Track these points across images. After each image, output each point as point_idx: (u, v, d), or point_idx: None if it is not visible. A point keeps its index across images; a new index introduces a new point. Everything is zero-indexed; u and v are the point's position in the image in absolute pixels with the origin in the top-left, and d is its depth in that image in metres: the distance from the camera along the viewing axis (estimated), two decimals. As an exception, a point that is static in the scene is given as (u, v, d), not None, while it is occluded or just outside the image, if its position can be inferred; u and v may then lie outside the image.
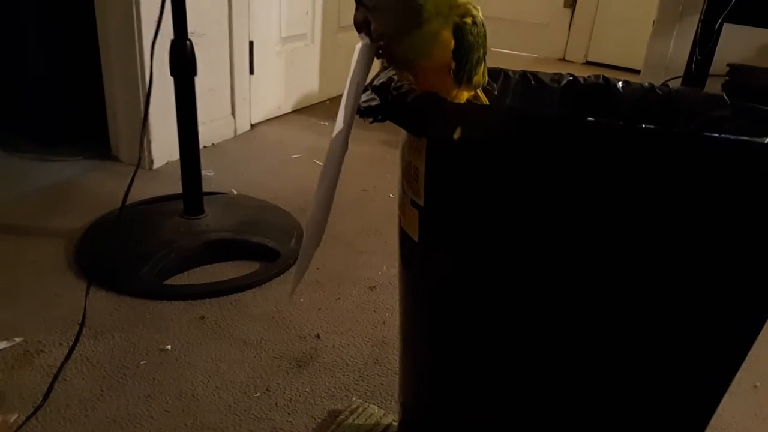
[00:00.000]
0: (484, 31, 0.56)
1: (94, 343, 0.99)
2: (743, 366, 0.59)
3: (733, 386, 0.61)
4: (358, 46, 0.58)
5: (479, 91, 0.62)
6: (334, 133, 0.59)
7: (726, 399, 0.62)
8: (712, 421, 0.63)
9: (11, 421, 0.83)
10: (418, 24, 0.54)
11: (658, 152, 0.47)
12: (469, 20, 0.55)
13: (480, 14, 0.56)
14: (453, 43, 0.54)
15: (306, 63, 2.19)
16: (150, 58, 1.15)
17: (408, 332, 0.71)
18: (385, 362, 1.01)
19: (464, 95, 0.58)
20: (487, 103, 0.64)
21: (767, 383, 1.04)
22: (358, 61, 0.58)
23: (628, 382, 0.59)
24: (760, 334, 0.58)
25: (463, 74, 0.56)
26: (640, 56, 2.35)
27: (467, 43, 0.55)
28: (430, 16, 0.54)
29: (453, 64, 0.55)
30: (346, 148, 0.62)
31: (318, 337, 1.06)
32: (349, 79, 0.58)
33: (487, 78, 0.62)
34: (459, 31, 0.54)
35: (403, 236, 0.65)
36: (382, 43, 0.57)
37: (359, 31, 0.57)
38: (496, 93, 0.70)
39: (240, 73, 1.88)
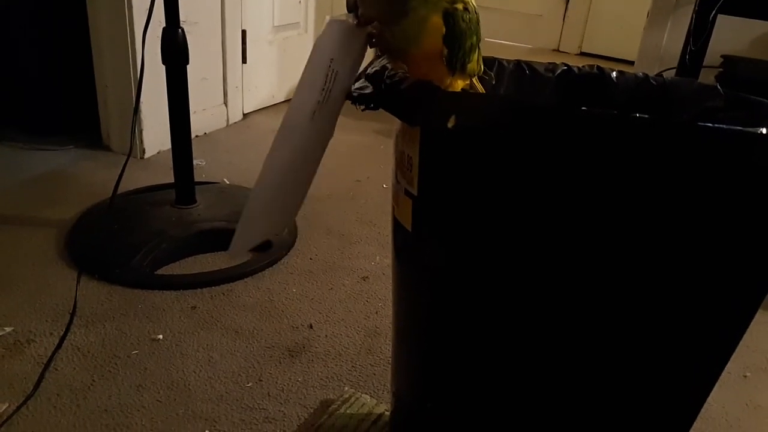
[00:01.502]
0: (477, 17, 0.56)
1: (85, 333, 0.99)
2: (733, 356, 0.60)
3: (724, 376, 0.61)
4: (328, 18, 0.57)
5: (475, 80, 0.61)
6: (292, 108, 0.57)
7: (716, 389, 0.62)
8: (703, 411, 0.64)
9: (1, 410, 0.83)
10: (405, 12, 0.53)
11: (651, 141, 0.47)
12: (460, 6, 0.54)
13: (473, 0, 0.56)
14: (444, 29, 0.54)
15: (299, 52, 2.17)
16: (141, 46, 1.14)
17: (401, 322, 0.71)
18: (378, 352, 1.01)
19: (459, 84, 0.58)
20: (484, 92, 0.64)
21: (757, 373, 1.04)
22: (328, 36, 0.56)
23: (619, 372, 0.59)
24: (751, 324, 0.58)
25: (456, 61, 0.55)
26: (634, 47, 2.35)
27: (459, 30, 0.54)
28: (417, 4, 0.53)
29: (445, 51, 0.54)
30: (332, 134, 0.61)
31: (310, 327, 1.06)
32: (317, 54, 0.56)
33: (482, 66, 0.61)
34: (450, 18, 0.54)
35: (397, 226, 0.65)
36: (374, 31, 0.57)
37: (350, 11, 0.56)
38: (493, 82, 0.69)
39: (232, 62, 1.87)
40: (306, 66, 0.56)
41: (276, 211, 0.65)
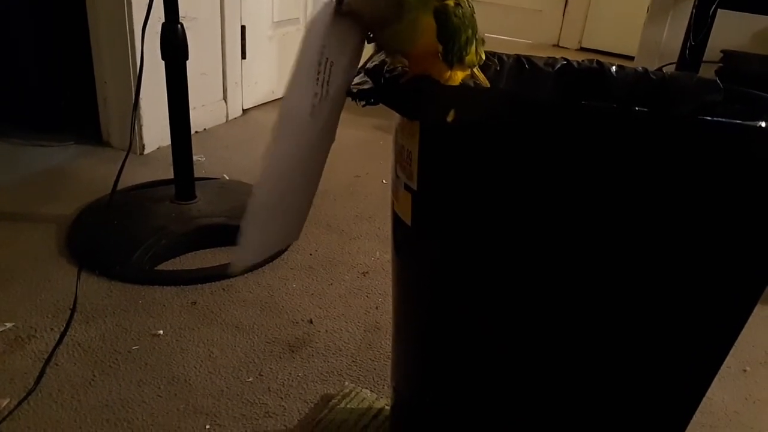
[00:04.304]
0: (471, 10, 0.56)
1: (85, 329, 0.99)
2: (733, 350, 0.60)
3: (723, 370, 0.61)
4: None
5: (476, 70, 0.61)
6: (288, 99, 0.55)
7: (716, 383, 0.62)
8: (702, 405, 0.64)
9: (2, 405, 0.83)
10: (400, 15, 0.53)
11: (651, 135, 0.47)
12: (451, 2, 0.54)
13: None
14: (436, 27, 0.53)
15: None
16: (141, 42, 1.14)
17: (401, 317, 0.71)
18: (378, 347, 1.01)
19: (459, 76, 0.58)
20: (486, 81, 0.63)
21: (757, 367, 1.05)
22: (320, 19, 0.54)
23: (619, 366, 0.59)
24: (750, 319, 0.58)
25: (452, 57, 0.55)
26: (634, 43, 2.35)
27: (452, 26, 0.54)
28: (412, 6, 0.53)
29: (440, 48, 0.54)
30: (333, 138, 0.60)
31: (311, 322, 1.06)
32: (308, 36, 0.54)
33: (483, 56, 0.61)
34: (441, 15, 0.53)
35: (396, 221, 0.65)
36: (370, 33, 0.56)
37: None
38: (498, 68, 0.69)
39: (232, 57, 1.87)
40: (299, 49, 0.54)
41: (282, 215, 0.61)
